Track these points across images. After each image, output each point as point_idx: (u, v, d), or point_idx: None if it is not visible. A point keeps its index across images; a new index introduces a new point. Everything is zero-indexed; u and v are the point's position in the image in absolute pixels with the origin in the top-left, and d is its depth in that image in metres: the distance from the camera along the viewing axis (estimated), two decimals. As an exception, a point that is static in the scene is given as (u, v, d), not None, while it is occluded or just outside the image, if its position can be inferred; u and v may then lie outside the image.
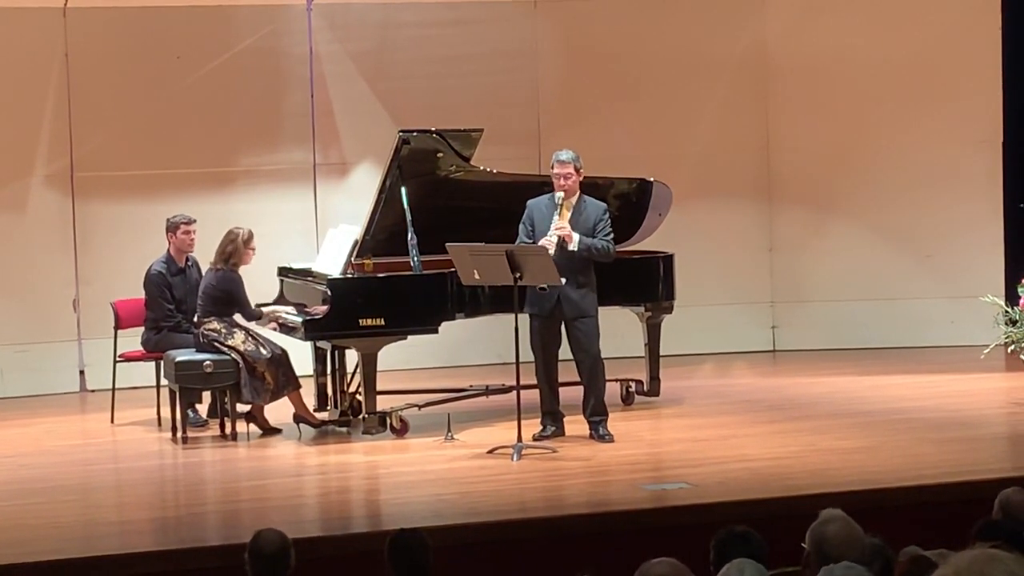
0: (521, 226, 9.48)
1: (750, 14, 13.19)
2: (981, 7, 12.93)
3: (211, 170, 12.32)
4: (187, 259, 10.51)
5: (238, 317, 9.97)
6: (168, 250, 10.53)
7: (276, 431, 9.98)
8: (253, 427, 9.99)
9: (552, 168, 9.45)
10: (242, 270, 10.45)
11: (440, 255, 9.49)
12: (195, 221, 10.51)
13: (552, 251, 9.13)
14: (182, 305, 10.37)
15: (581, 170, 9.43)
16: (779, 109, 13.24)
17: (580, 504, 8.12)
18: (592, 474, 8.71)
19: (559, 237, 9.22)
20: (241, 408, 10.06)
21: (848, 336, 13.05)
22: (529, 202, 9.54)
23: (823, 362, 12.49)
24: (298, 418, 9.97)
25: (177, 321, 10.35)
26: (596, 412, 9.54)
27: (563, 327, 9.47)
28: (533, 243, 9.30)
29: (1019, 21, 12.92)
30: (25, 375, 11.93)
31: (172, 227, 10.51)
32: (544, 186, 9.94)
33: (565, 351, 9.57)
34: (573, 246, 9.24)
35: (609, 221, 9.45)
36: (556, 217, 9.31)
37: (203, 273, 10.26)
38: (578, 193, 9.46)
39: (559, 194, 9.37)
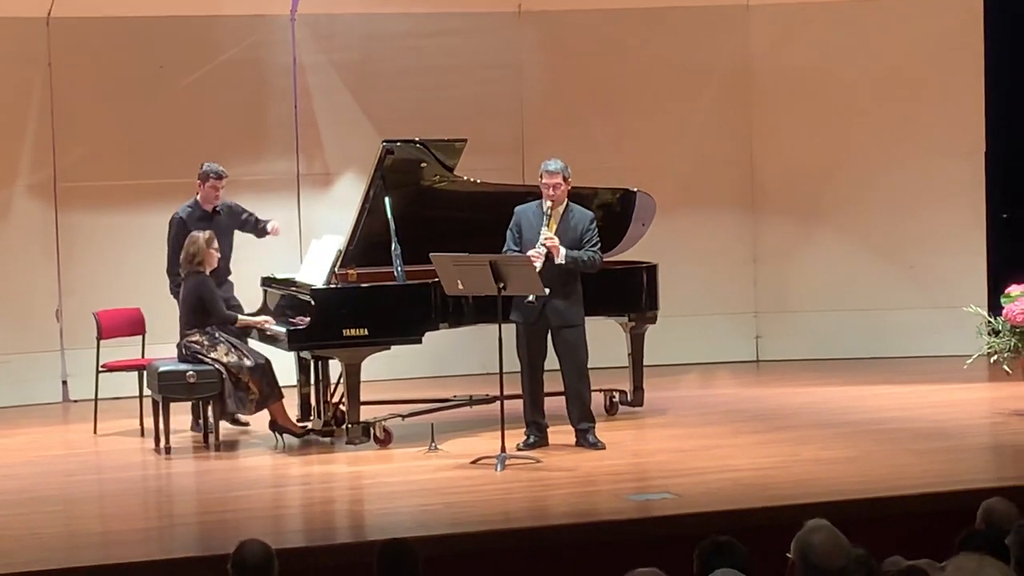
0: (508, 232, 9.49)
1: (734, 26, 13.21)
2: (964, 19, 12.96)
3: (194, 180, 12.27)
4: (217, 207, 10.41)
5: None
6: (196, 196, 10.47)
7: (308, 431, 9.98)
8: (289, 437, 9.92)
9: (541, 178, 9.45)
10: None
11: (424, 265, 9.50)
12: (226, 177, 10.45)
13: (540, 263, 9.15)
14: None
15: (569, 179, 9.45)
16: (763, 120, 13.27)
17: (564, 514, 8.11)
18: (576, 484, 8.70)
19: (546, 248, 9.23)
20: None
21: (831, 346, 13.06)
22: (517, 209, 9.54)
23: (806, 372, 12.50)
24: (275, 426, 9.93)
25: None
26: (584, 419, 9.55)
27: (549, 336, 9.48)
28: (520, 251, 9.31)
29: (1001, 33, 12.97)
30: (7, 385, 11.88)
31: (202, 176, 10.42)
32: (528, 196, 9.94)
33: (551, 361, 9.58)
34: (560, 259, 9.25)
35: (596, 231, 9.48)
36: (544, 228, 9.32)
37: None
38: (565, 202, 9.48)
39: (547, 203, 9.38)
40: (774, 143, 13.25)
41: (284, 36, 12.59)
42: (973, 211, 13.02)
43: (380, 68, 12.74)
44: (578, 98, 13.00)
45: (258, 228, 10.70)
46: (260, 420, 10.05)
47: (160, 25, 12.27)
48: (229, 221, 10.56)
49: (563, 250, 9.28)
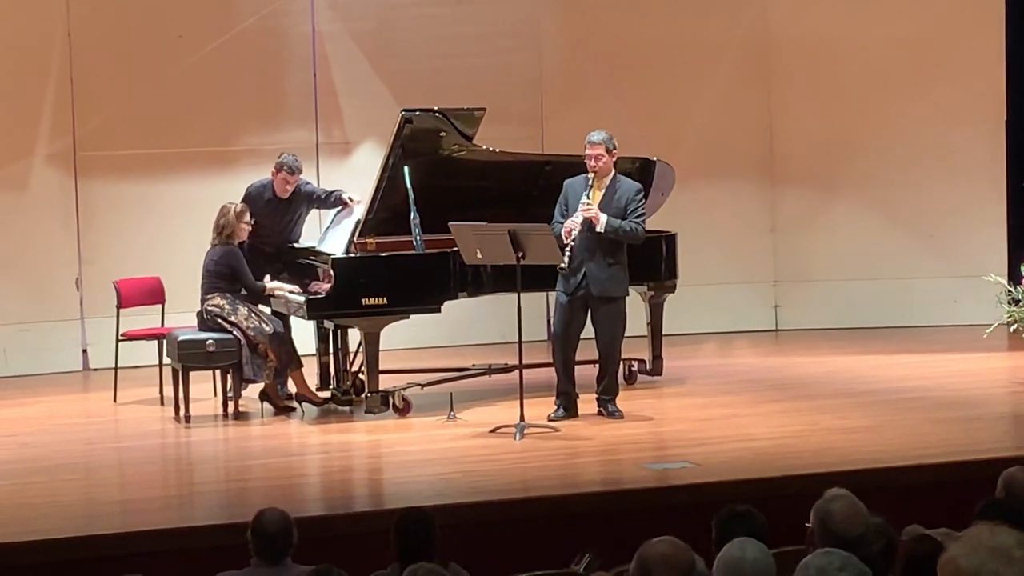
0: (557, 206, 9.47)
1: (753, -6, 13.19)
2: (984, -13, 12.92)
3: (214, 149, 12.31)
4: (295, 191, 10.37)
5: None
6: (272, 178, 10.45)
7: (291, 408, 9.97)
8: (267, 405, 9.97)
9: (585, 149, 9.42)
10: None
11: (443, 234, 9.50)
12: (299, 172, 10.36)
13: (577, 230, 9.13)
14: (261, 230, 10.22)
15: (614, 151, 9.41)
16: (781, 89, 13.23)
17: (583, 483, 8.12)
18: (595, 453, 8.72)
19: (585, 217, 9.20)
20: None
21: (850, 315, 13.05)
22: (566, 182, 9.52)
23: (825, 341, 12.49)
24: (300, 397, 9.97)
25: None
26: (607, 391, 9.56)
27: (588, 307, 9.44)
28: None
29: (1022, 1, 12.90)
30: (28, 354, 11.93)
31: (276, 167, 10.35)
32: (547, 166, 9.92)
33: (587, 331, 9.55)
34: (600, 227, 9.21)
35: (642, 202, 9.44)
36: (585, 197, 9.29)
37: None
38: (612, 173, 9.44)
39: (591, 174, 9.35)
40: (793, 112, 13.21)
41: (303, 5, 12.57)
42: (993, 180, 12.98)
43: (399, 37, 12.71)
44: (597, 67, 12.98)
45: (331, 202, 10.58)
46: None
47: (179, -6, 12.28)
48: (300, 207, 10.51)
49: (603, 218, 9.23)
